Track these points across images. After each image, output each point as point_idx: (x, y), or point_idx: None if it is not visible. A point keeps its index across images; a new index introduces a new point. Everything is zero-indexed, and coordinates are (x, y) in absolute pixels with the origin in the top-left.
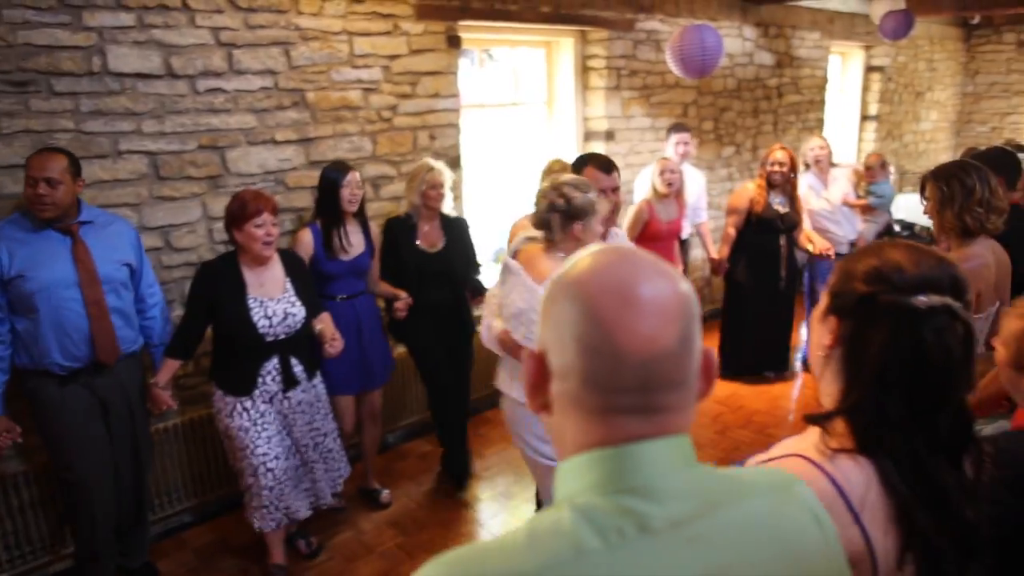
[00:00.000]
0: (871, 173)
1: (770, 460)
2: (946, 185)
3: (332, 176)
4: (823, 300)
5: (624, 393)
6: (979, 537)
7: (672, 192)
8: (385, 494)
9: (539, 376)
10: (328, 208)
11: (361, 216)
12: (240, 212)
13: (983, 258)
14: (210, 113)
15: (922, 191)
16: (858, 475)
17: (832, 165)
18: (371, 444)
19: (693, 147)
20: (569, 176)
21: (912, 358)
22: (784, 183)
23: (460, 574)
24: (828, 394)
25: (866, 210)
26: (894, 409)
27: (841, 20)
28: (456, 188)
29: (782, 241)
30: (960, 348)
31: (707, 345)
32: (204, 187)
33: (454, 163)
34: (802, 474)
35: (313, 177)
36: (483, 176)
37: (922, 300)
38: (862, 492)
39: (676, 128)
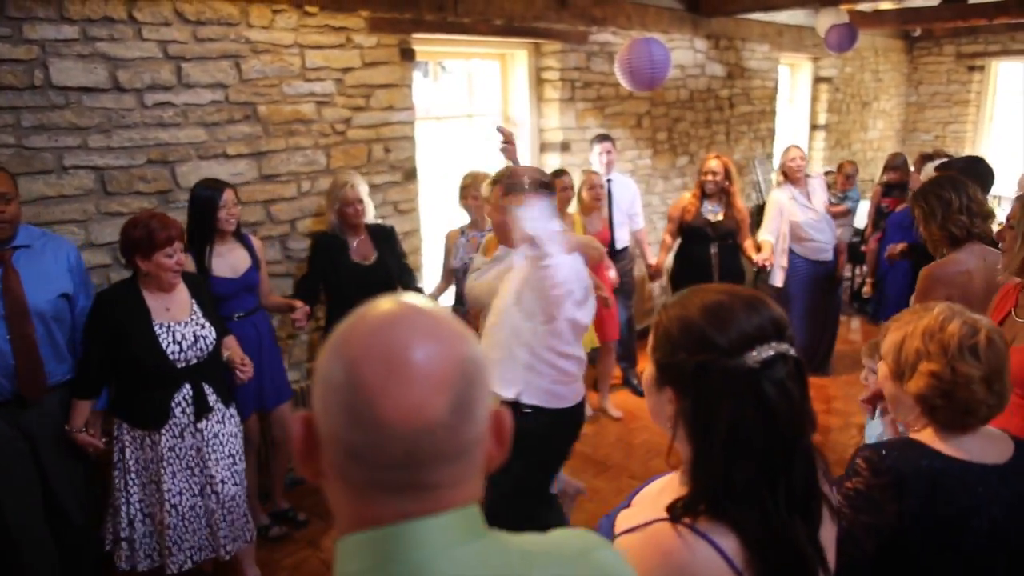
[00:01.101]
0: (850, 180)
1: (646, 524)
2: (924, 202)
3: (206, 195)
4: (650, 368)
5: (389, 469)
6: None
7: (598, 205)
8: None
9: (309, 442)
10: (201, 228)
11: (238, 232)
12: (148, 241)
13: (961, 264)
14: (159, 127)
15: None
16: (730, 540)
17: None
18: (278, 472)
19: (616, 155)
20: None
21: (760, 416)
22: (718, 191)
23: None
24: (684, 457)
25: (841, 215)
26: (741, 475)
27: (789, 33)
28: (412, 200)
29: (713, 249)
30: (797, 388)
31: (500, 408)
32: (154, 202)
33: (410, 175)
34: (671, 541)
35: (266, 191)
36: (438, 188)
37: (754, 357)
38: (737, 552)
39: (599, 138)
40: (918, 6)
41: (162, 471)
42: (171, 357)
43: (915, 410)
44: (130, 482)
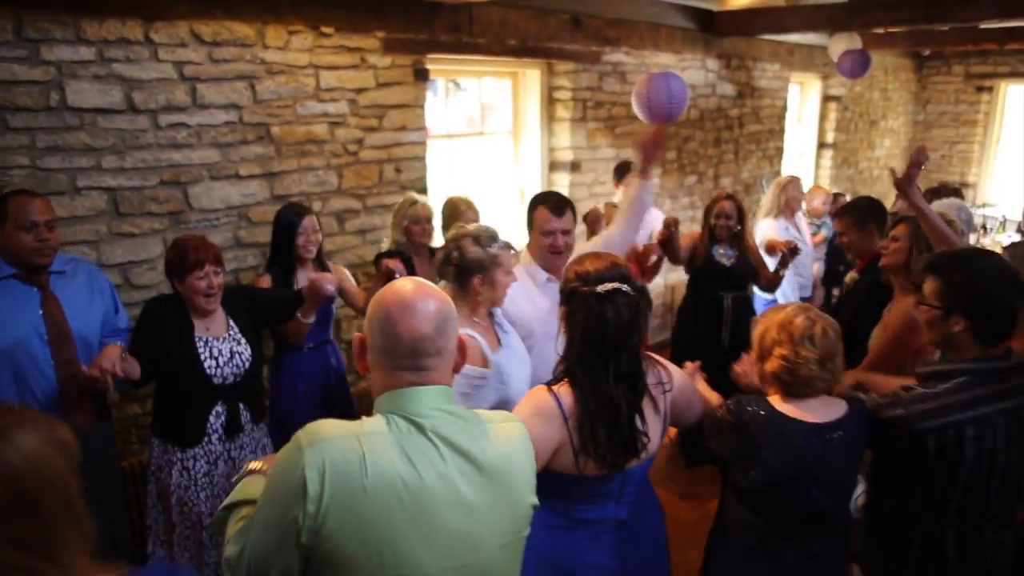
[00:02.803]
0: (826, 206)
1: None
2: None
3: (287, 219)
4: None
5: (403, 358)
6: (642, 441)
7: None
8: None
9: (361, 349)
10: (283, 253)
11: (319, 260)
12: (179, 263)
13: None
14: (172, 148)
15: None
16: (568, 396)
17: None
18: None
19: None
20: (475, 225)
21: (600, 323)
22: (731, 237)
23: (316, 433)
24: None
25: (818, 244)
26: (588, 356)
27: (800, 52)
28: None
29: (728, 301)
30: (629, 313)
31: (463, 335)
32: (166, 223)
33: (421, 195)
34: (539, 394)
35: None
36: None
37: (600, 288)
38: (570, 405)
39: (626, 167)
40: (929, 29)
41: (197, 495)
42: (208, 371)
43: (771, 383)
44: (169, 506)
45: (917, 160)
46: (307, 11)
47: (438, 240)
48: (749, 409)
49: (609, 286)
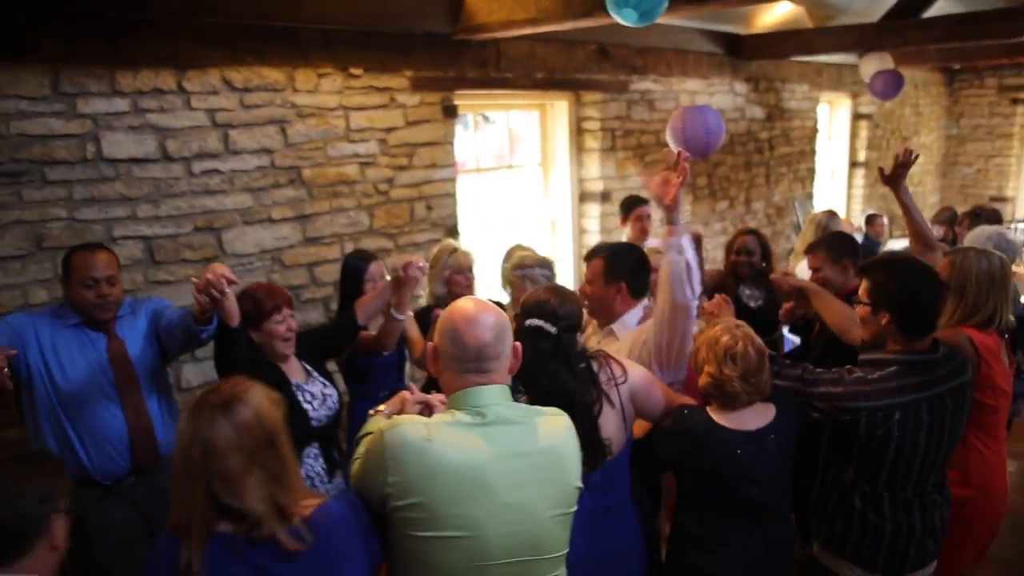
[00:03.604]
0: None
1: None
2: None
3: (354, 265)
4: None
5: (469, 362)
6: (604, 448)
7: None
8: None
9: (434, 355)
10: (351, 299)
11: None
12: (256, 311)
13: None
14: (206, 195)
15: None
16: None
17: None
18: None
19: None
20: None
21: (532, 348)
22: (754, 275)
23: (394, 423)
24: None
25: None
26: (541, 370)
27: (829, 71)
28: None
29: None
30: (549, 346)
31: (516, 343)
32: (199, 270)
33: (452, 232)
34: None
35: (310, 254)
36: (478, 240)
37: (529, 322)
38: None
39: (634, 202)
40: (960, 45)
41: None
42: (310, 415)
43: (704, 395)
44: None
45: (905, 161)
46: (336, 53)
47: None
48: (691, 420)
49: (534, 322)
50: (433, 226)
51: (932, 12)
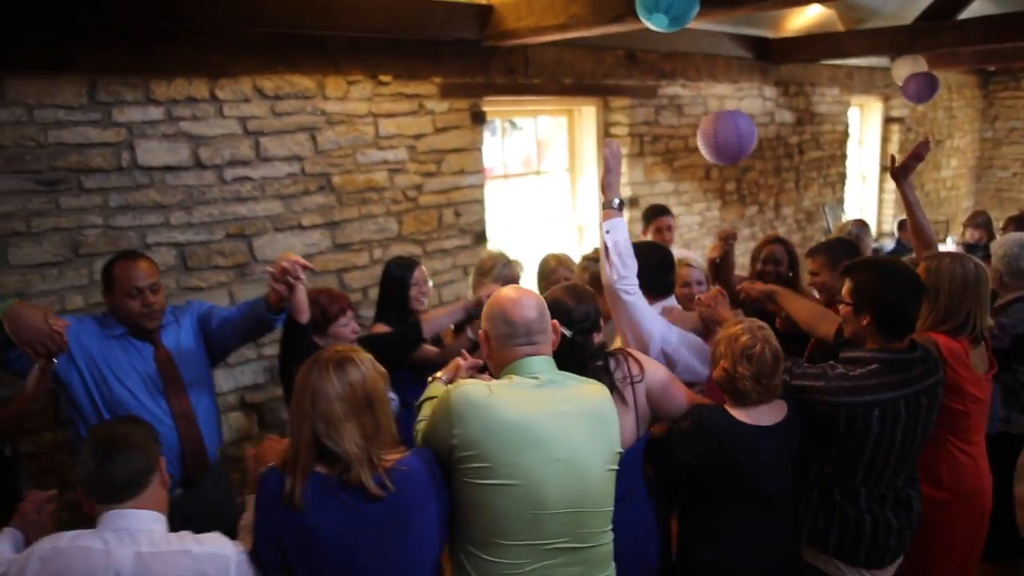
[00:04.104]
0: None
1: None
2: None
3: (398, 273)
4: None
5: (519, 337)
6: None
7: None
8: None
9: (486, 339)
10: (393, 308)
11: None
12: (322, 316)
13: None
14: (237, 202)
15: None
16: None
17: None
18: None
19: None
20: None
21: (569, 341)
22: (781, 284)
23: (459, 384)
24: None
25: None
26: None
27: (860, 75)
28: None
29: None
30: (564, 345)
31: (554, 321)
32: (231, 276)
33: (480, 238)
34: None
35: (339, 260)
36: (506, 246)
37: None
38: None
39: (656, 212)
40: (997, 47)
41: None
42: None
43: (716, 388)
44: None
45: (918, 152)
46: (365, 60)
47: None
48: (710, 418)
49: (562, 326)
50: (461, 232)
51: (967, 13)
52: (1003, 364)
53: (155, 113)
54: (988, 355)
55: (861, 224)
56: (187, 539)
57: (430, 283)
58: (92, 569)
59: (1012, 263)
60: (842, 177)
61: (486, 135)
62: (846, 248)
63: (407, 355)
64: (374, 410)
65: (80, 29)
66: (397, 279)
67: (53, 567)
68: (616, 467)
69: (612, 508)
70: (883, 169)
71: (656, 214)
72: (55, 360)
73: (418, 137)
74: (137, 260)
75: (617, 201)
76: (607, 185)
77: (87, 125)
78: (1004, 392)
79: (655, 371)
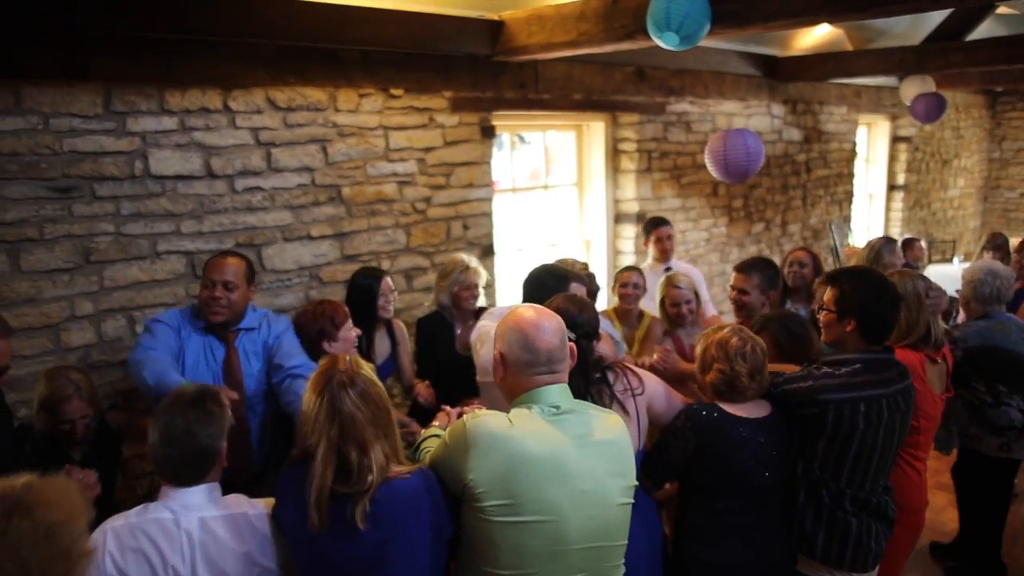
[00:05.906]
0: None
1: None
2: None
3: (366, 284)
4: None
5: (540, 365)
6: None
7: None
8: None
9: (502, 362)
10: (363, 316)
11: (385, 319)
12: (331, 324)
13: None
14: (247, 211)
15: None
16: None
17: None
18: None
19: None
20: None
21: (579, 349)
22: (805, 286)
23: (476, 415)
24: None
25: None
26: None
27: (868, 93)
28: (489, 275)
29: None
30: (584, 344)
31: (571, 344)
32: None
33: (487, 251)
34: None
35: (347, 271)
36: (513, 259)
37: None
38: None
39: (655, 223)
40: (1003, 68)
41: None
42: None
43: (710, 391)
44: None
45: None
46: (377, 74)
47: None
48: (703, 413)
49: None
50: (469, 245)
51: (976, 35)
52: (961, 380)
53: (169, 123)
54: (947, 378)
55: (887, 240)
56: (243, 503)
57: (395, 293)
58: (166, 533)
59: (978, 288)
60: (849, 195)
61: (495, 150)
62: (777, 276)
63: None
64: (388, 423)
65: (96, 40)
66: (365, 288)
67: (128, 537)
68: (632, 501)
69: (626, 543)
70: (890, 188)
71: (655, 225)
72: None
73: (428, 150)
74: (227, 256)
75: None
76: None
77: (101, 134)
78: (968, 411)
79: (654, 384)
